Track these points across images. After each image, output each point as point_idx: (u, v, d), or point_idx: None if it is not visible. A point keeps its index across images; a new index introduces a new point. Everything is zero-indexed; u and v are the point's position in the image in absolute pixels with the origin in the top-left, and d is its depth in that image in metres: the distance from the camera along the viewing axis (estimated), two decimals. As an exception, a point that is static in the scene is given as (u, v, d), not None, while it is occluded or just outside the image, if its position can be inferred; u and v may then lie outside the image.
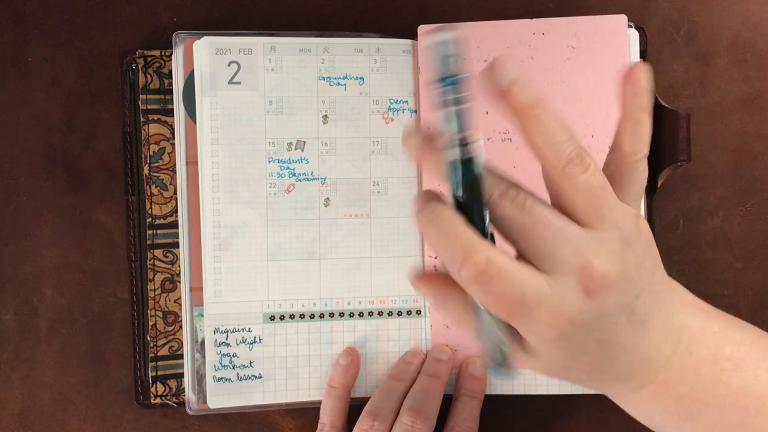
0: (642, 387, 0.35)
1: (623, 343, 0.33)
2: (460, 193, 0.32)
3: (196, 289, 0.46)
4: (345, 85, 0.47)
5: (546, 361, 0.34)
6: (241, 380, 0.46)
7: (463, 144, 0.32)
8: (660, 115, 0.47)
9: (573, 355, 0.33)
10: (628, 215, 0.32)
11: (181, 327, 0.47)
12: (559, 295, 0.31)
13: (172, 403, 0.47)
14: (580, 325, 0.32)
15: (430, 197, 0.32)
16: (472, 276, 0.31)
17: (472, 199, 0.32)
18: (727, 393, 0.34)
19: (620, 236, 0.32)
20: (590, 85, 0.46)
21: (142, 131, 0.47)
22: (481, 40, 0.46)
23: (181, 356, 0.47)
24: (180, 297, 0.47)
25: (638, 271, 0.32)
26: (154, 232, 0.47)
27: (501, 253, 0.31)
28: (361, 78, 0.47)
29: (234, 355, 0.46)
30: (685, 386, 0.34)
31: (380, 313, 0.47)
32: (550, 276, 0.31)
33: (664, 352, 0.34)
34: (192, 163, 0.46)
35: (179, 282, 0.47)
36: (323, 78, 0.46)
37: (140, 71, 0.47)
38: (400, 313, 0.47)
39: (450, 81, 0.32)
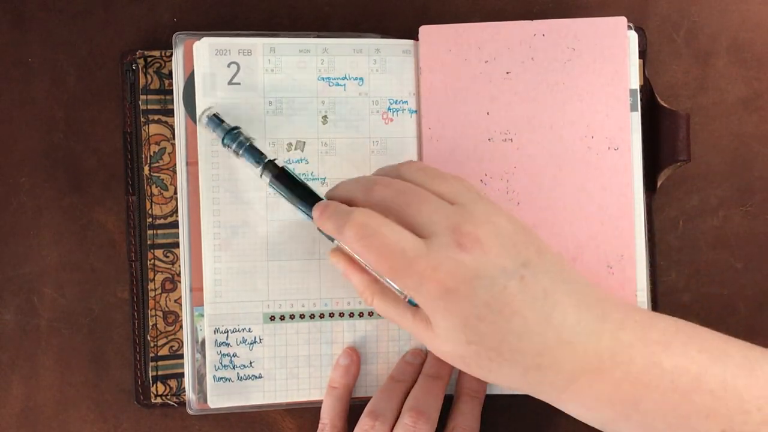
0: (576, 378, 0.35)
1: (525, 315, 0.35)
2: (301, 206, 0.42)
3: (197, 289, 0.46)
4: (344, 85, 0.47)
5: (446, 335, 0.36)
6: (241, 380, 0.46)
7: (268, 166, 0.42)
8: (660, 115, 0.47)
9: (468, 322, 0.35)
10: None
11: (181, 327, 0.47)
12: (435, 249, 0.35)
13: (172, 403, 0.47)
14: (462, 280, 0.35)
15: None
16: (353, 233, 0.37)
17: (304, 193, 0.41)
18: (662, 374, 0.35)
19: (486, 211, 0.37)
20: (590, 86, 0.46)
21: (143, 131, 0.47)
22: (482, 41, 0.46)
23: (181, 356, 0.47)
24: (180, 297, 0.47)
25: (512, 241, 0.36)
26: (155, 232, 0.47)
27: (377, 215, 0.37)
28: (361, 78, 0.47)
29: (234, 355, 0.46)
30: (620, 371, 0.35)
31: (380, 313, 0.47)
32: (427, 237, 0.36)
33: (586, 338, 0.35)
34: (192, 163, 0.46)
35: (179, 282, 0.47)
36: (322, 78, 0.46)
37: (140, 71, 0.47)
38: (400, 313, 0.47)
39: (229, 138, 0.43)
